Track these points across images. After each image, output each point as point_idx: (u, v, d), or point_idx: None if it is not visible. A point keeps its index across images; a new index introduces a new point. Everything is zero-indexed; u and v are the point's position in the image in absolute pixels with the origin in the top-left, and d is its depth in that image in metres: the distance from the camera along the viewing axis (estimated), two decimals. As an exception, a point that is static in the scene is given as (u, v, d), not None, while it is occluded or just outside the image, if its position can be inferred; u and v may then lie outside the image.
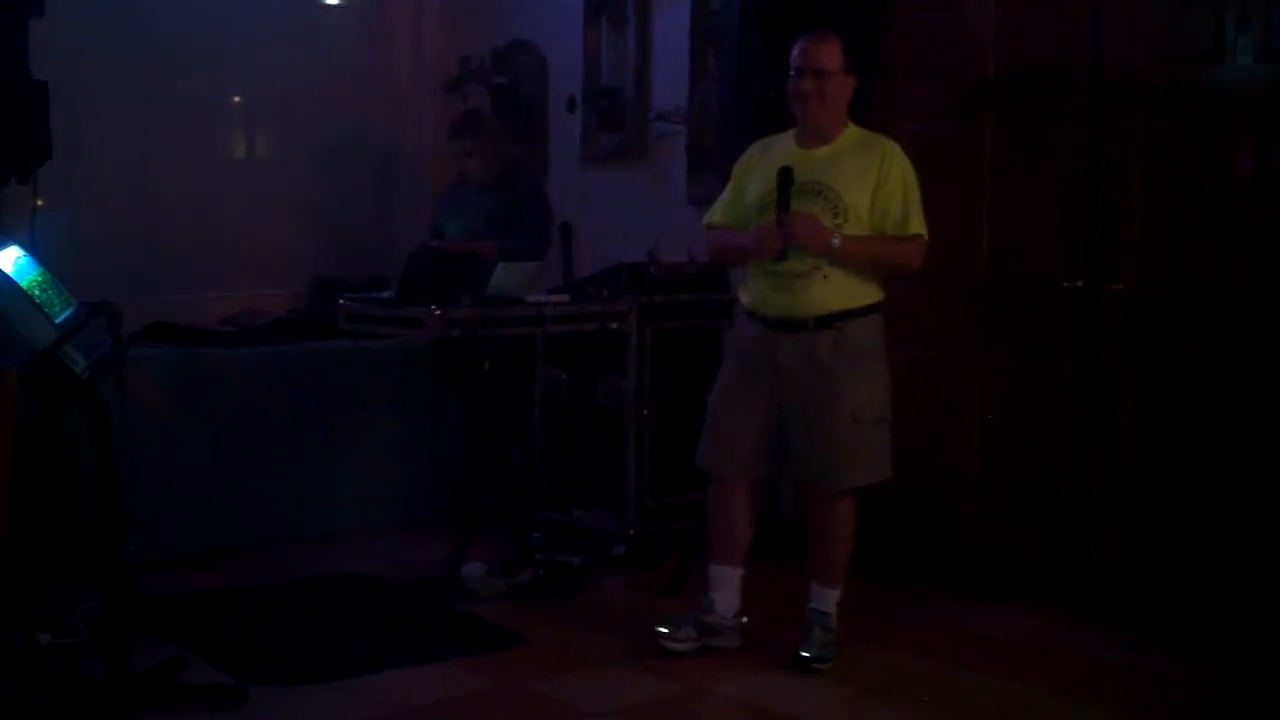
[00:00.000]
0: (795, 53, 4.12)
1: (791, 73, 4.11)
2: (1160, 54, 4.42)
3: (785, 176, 3.98)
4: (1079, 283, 4.59)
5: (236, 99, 6.63)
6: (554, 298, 5.12)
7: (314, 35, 6.72)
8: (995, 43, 4.82)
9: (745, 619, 4.25)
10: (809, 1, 4.80)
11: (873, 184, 4.02)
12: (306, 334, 5.95)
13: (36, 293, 3.35)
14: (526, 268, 5.17)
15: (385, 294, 5.22)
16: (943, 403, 5.01)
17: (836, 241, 3.95)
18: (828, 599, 4.16)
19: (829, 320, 4.00)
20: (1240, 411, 4.25)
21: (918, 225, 4.05)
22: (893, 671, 4.11)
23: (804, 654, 4.08)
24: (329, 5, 6.87)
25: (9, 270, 3.33)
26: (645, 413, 5.23)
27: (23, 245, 3.52)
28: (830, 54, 4.07)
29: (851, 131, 4.15)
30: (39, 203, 4.71)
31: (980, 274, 4.89)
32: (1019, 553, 4.80)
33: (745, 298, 4.20)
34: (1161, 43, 4.42)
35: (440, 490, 5.70)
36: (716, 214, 4.30)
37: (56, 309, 3.39)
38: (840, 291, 4.01)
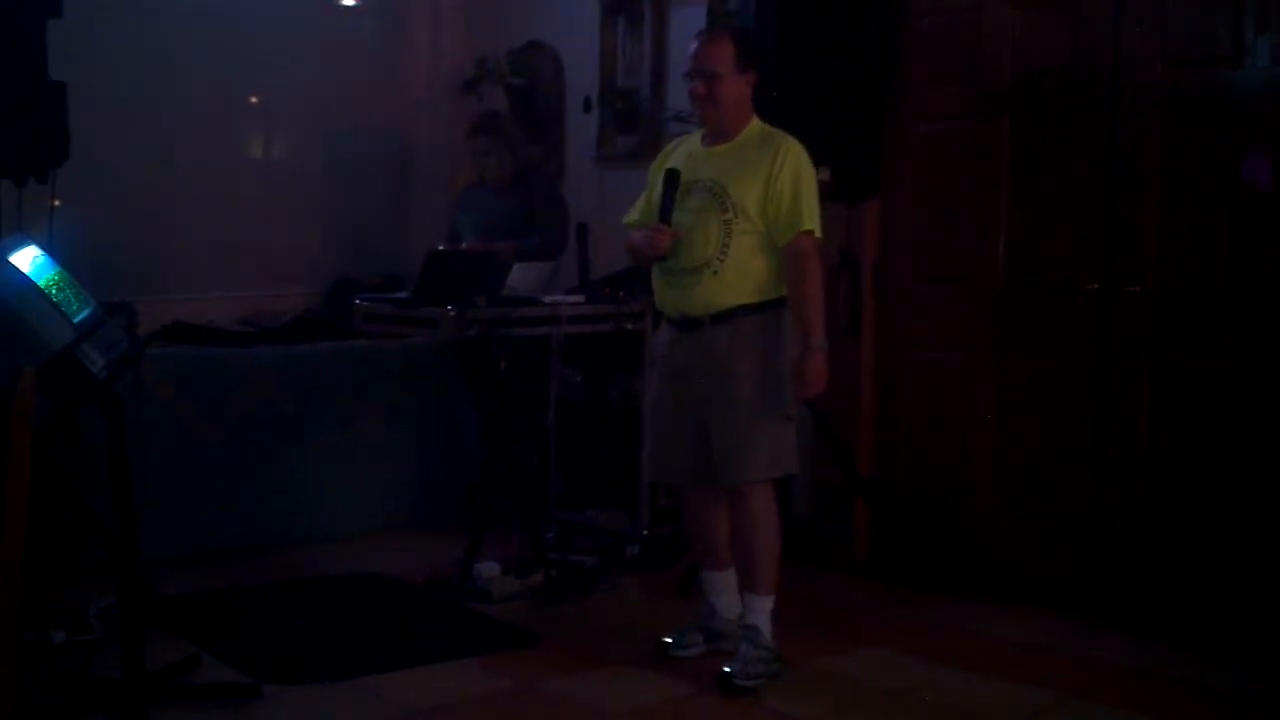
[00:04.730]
0: (689, 54, 4.10)
1: (686, 75, 4.10)
2: (1177, 56, 4.41)
3: (670, 179, 4.02)
4: (1096, 285, 4.58)
5: (253, 100, 6.64)
6: (569, 298, 5.12)
7: (330, 37, 6.73)
8: (1012, 46, 4.81)
9: None
10: (824, 2, 4.82)
11: (764, 180, 3.96)
12: (322, 334, 5.98)
13: (54, 292, 3.37)
14: (542, 268, 5.18)
15: (401, 294, 5.23)
16: (958, 405, 5.00)
17: (822, 343, 3.93)
18: (758, 609, 4.04)
19: (723, 316, 3.98)
20: (1257, 414, 4.23)
21: (809, 221, 3.96)
22: (904, 673, 4.10)
23: (726, 669, 3.95)
24: (346, 6, 6.89)
25: (27, 270, 3.35)
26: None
27: (40, 245, 3.53)
28: (719, 55, 4.02)
29: (753, 128, 4.09)
30: (56, 203, 4.72)
31: (997, 277, 4.88)
32: (1032, 555, 4.79)
33: (656, 302, 4.24)
34: (1179, 45, 4.40)
35: (454, 490, 5.72)
36: (634, 214, 4.31)
37: (74, 308, 3.40)
38: (732, 288, 3.97)
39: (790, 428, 4.08)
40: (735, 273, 3.98)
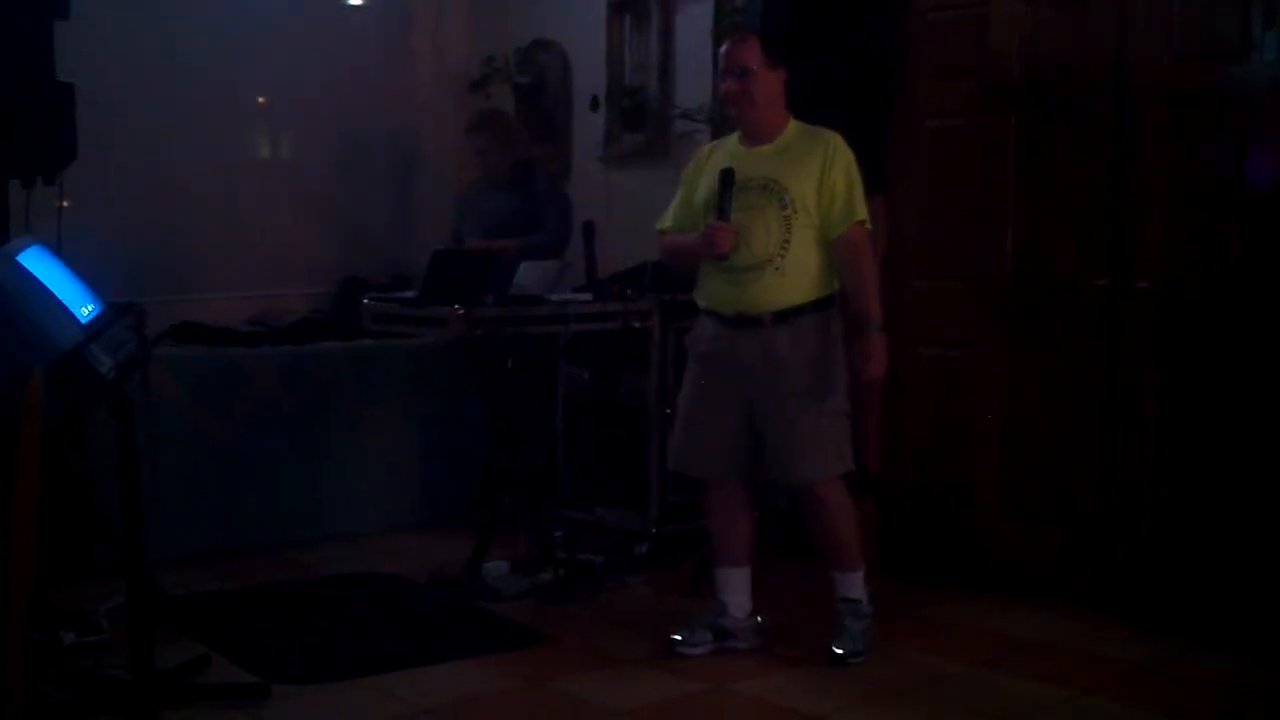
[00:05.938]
0: (720, 57, 4.20)
1: (720, 78, 4.18)
2: (1184, 52, 4.40)
3: (726, 178, 4.04)
4: (1102, 282, 4.57)
5: (260, 100, 6.65)
6: (577, 296, 5.12)
7: (337, 36, 6.74)
8: (1019, 42, 4.80)
9: (760, 618, 4.25)
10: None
11: (818, 175, 4.06)
12: (330, 334, 5.98)
13: (62, 293, 3.37)
14: (549, 266, 5.18)
15: (408, 293, 5.24)
16: (965, 402, 4.99)
17: (879, 325, 4.07)
18: (851, 584, 4.16)
19: (784, 316, 4.04)
20: (1264, 411, 4.22)
21: (862, 211, 4.09)
22: (913, 670, 4.10)
23: (837, 650, 4.08)
24: (352, 6, 6.90)
25: (35, 271, 3.35)
26: (667, 411, 5.22)
27: (48, 246, 3.53)
28: (751, 52, 4.12)
29: (793, 126, 4.19)
30: (64, 204, 4.73)
31: (1004, 273, 4.88)
32: (1041, 552, 4.79)
33: (701, 299, 4.24)
34: (1185, 40, 4.40)
35: (462, 489, 5.73)
36: (668, 220, 4.34)
37: (82, 309, 3.41)
38: (793, 285, 4.04)
39: (848, 424, 4.16)
40: (797, 269, 4.04)
